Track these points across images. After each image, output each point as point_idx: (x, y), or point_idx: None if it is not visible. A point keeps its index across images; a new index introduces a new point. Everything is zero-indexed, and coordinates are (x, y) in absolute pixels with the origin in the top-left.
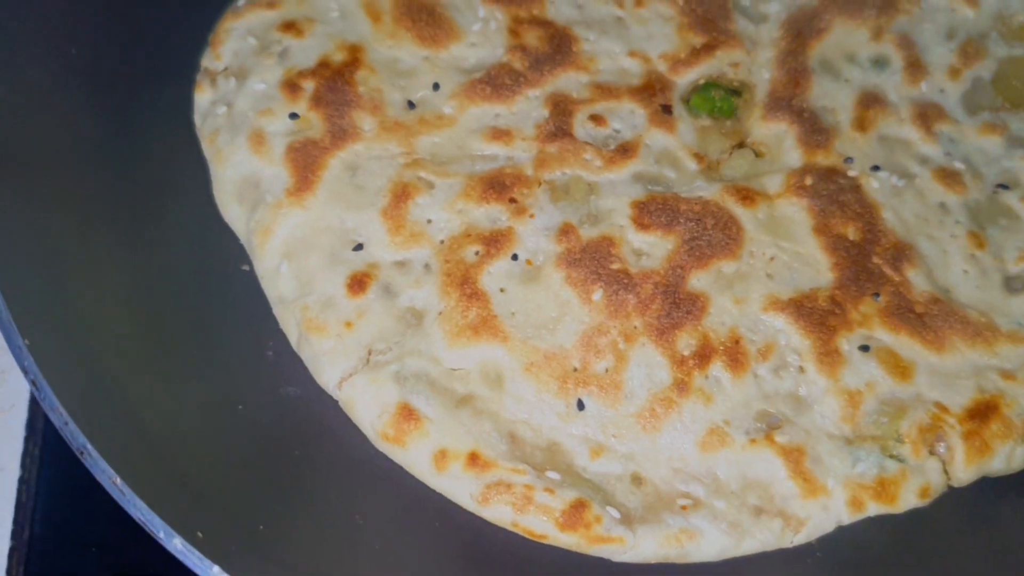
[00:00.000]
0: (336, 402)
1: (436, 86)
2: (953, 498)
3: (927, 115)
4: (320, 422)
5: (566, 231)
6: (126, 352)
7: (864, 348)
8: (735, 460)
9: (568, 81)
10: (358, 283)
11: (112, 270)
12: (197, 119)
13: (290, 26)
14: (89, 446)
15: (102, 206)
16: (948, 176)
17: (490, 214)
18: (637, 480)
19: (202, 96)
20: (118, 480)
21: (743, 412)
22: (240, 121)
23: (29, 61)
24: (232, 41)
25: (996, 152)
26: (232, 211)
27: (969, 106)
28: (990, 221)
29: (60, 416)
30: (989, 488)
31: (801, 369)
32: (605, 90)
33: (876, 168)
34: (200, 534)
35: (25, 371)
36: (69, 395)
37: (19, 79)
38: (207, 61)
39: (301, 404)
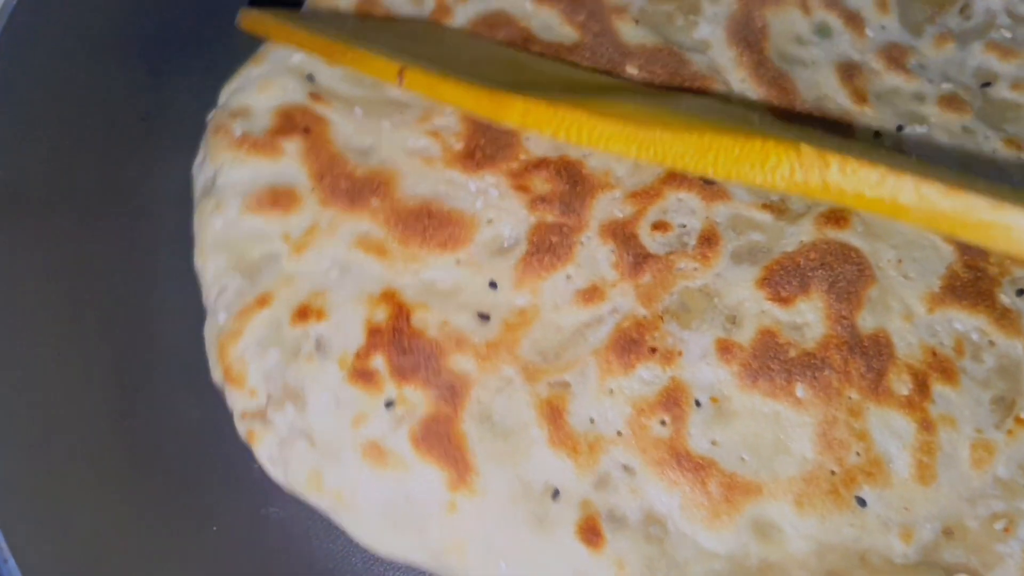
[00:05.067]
0: None
1: (493, 284)
2: None
3: (892, 56)
4: None
5: (724, 348)
6: None
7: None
8: (1008, 455)
9: (605, 205)
10: (591, 531)
11: None
12: (277, 475)
13: (303, 313)
14: None
15: None
16: (949, 102)
17: (644, 376)
18: (948, 533)
19: (263, 445)
20: None
21: (981, 411)
22: (337, 448)
23: None
24: (252, 366)
25: (959, 57)
26: (394, 543)
27: (912, 28)
28: (1003, 120)
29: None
30: None
31: (991, 343)
32: (642, 195)
33: (900, 128)
34: None
35: None
36: None
37: None
38: (240, 404)
39: None
